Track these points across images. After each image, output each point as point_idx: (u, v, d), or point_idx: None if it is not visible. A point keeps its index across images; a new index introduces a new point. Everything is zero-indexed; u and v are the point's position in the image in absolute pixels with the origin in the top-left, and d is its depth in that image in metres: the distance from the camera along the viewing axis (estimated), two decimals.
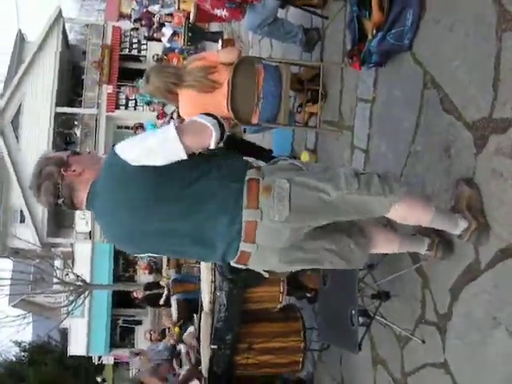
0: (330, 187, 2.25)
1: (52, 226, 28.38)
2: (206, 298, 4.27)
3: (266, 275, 2.44)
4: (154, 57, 16.26)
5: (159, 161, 2.18)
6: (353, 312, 3.03)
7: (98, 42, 27.45)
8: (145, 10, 15.15)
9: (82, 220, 25.94)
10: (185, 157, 2.18)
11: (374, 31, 3.47)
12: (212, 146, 2.25)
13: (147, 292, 12.83)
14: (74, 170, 2.31)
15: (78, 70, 30.01)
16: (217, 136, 2.24)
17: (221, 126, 2.28)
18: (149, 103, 13.92)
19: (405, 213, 2.45)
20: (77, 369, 29.96)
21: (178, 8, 12.56)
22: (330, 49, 4.74)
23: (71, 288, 22.82)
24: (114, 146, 2.30)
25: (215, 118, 2.30)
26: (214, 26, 10.51)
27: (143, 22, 15.09)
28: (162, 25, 14.53)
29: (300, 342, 4.14)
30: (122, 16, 23.69)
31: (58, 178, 2.29)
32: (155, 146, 2.19)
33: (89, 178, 2.31)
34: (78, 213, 22.57)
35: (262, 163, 2.55)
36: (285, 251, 2.32)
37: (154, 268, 21.38)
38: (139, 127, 15.32)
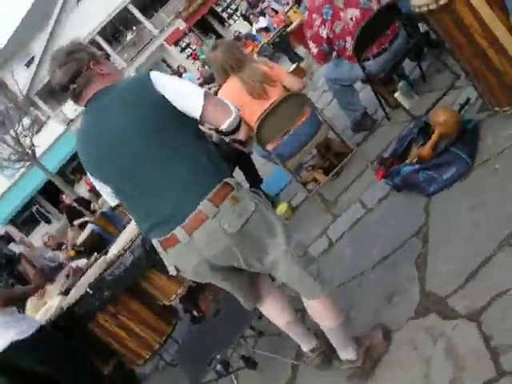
0: (282, 238, 2.33)
1: (47, 89, 28.11)
2: (115, 249, 4.24)
3: (174, 272, 2.42)
4: (235, 32, 16.33)
5: (178, 103, 2.24)
6: (217, 356, 3.03)
7: None
8: None
9: (74, 107, 25.69)
10: (197, 116, 2.26)
11: (415, 160, 3.54)
12: (224, 127, 2.30)
13: (74, 204, 12.74)
14: (101, 69, 2.39)
15: None
16: (232, 122, 2.31)
17: (240, 121, 2.37)
18: (203, 61, 13.91)
19: (318, 306, 2.52)
20: None
21: (286, 12, 12.69)
22: (371, 143, 4.80)
23: (19, 150, 22.53)
24: (150, 70, 2.37)
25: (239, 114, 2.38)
26: (300, 50, 10.59)
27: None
28: (262, 13, 14.67)
29: (157, 343, 4.11)
30: None
31: (85, 66, 2.35)
32: (182, 90, 2.28)
33: (108, 82, 2.38)
34: None
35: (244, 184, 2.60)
36: (204, 262, 2.33)
37: (96, 191, 21.23)
38: (179, 72, 15.43)
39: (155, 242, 2.37)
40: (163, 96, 2.22)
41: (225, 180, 2.27)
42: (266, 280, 2.70)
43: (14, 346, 3.55)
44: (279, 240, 2.33)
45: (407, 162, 3.63)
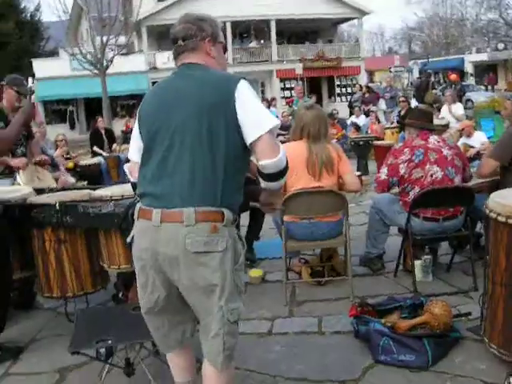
0: (226, 294, 2.33)
1: (159, 29, 28.58)
2: (103, 191, 4.22)
3: (129, 239, 2.52)
4: (334, 109, 16.55)
5: (243, 121, 2.32)
6: (109, 341, 3.00)
7: None
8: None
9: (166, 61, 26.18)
10: (249, 140, 2.32)
11: (388, 325, 3.53)
12: (262, 163, 2.33)
13: (102, 131, 12.83)
14: (210, 50, 2.52)
15: None
16: (271, 164, 2.33)
17: (281, 172, 2.40)
18: (292, 111, 14.03)
19: (213, 376, 2.46)
20: None
21: (385, 128, 12.87)
22: (366, 283, 4.78)
23: (98, 56, 22.80)
24: (244, 78, 2.44)
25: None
26: (371, 165, 10.67)
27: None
28: (367, 113, 14.93)
29: (72, 291, 4.02)
30: None
31: (200, 36, 2.49)
32: (256, 114, 2.34)
33: (207, 62, 2.50)
34: None
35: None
36: (152, 252, 2.36)
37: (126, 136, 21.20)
38: (269, 103, 16.03)
39: (138, 206, 2.46)
40: (235, 115, 2.30)
41: (222, 209, 2.32)
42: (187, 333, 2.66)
43: None
44: (222, 293, 2.33)
45: (382, 320, 3.61)
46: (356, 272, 4.88)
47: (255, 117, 2.33)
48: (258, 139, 2.30)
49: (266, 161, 2.32)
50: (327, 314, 4.19)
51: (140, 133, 2.53)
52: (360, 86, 20.43)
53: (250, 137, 2.31)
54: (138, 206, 2.46)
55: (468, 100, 23.83)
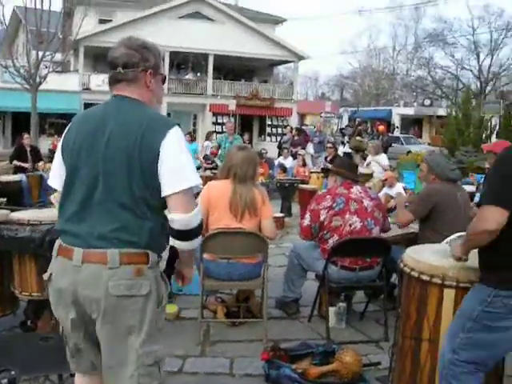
0: (142, 337, 2.25)
1: (95, 51, 28.27)
2: (21, 214, 4.09)
3: (46, 277, 2.39)
4: (263, 149, 16.71)
5: (164, 174, 2.26)
6: (12, 372, 2.87)
7: None
8: None
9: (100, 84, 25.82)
10: (164, 193, 2.26)
11: (299, 371, 3.55)
12: (174, 217, 2.26)
13: (28, 148, 12.50)
14: (150, 83, 2.41)
15: None
16: (185, 222, 2.27)
17: (197, 229, 2.34)
18: (218, 146, 13.96)
19: None
20: None
21: (311, 172, 13.09)
22: (280, 328, 4.78)
23: (32, 71, 22.30)
24: (178, 124, 2.36)
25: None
26: (294, 208, 10.83)
27: None
28: (294, 156, 15.21)
29: None
30: None
31: (143, 67, 2.37)
32: (179, 169, 2.27)
33: (143, 97, 2.38)
34: None
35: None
36: (71, 292, 2.26)
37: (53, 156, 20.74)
38: (192, 136, 16.15)
39: (58, 242, 2.36)
40: (157, 165, 2.22)
41: (147, 251, 2.27)
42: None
43: None
44: (140, 336, 2.26)
45: (293, 366, 3.63)
46: (271, 314, 4.89)
47: (174, 173, 2.25)
48: (171, 195, 2.24)
49: (176, 215, 2.25)
50: (239, 355, 4.17)
51: (64, 157, 2.40)
52: (291, 127, 20.80)
53: (164, 190, 2.24)
54: (58, 242, 2.36)
55: (409, 152, 24.37)
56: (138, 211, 2.24)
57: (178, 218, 2.25)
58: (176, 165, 2.26)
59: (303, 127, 28.23)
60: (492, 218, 2.48)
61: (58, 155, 2.45)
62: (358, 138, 17.44)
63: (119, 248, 2.20)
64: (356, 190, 4.72)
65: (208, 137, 19.00)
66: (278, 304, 5.15)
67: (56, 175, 2.48)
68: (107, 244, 2.21)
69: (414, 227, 5.11)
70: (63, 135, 2.45)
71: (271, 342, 4.23)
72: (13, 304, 4.19)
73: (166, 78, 2.57)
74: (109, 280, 2.18)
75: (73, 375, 3.04)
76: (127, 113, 2.31)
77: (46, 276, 2.40)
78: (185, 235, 2.32)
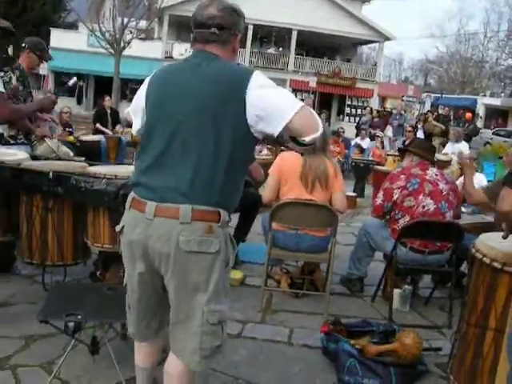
0: (209, 295, 2.27)
1: (179, 19, 28.50)
2: (98, 168, 4.22)
3: (118, 229, 2.44)
4: (340, 128, 16.50)
5: (261, 120, 2.22)
6: (79, 316, 2.98)
7: None
8: None
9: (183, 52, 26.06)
10: (281, 126, 2.19)
11: (357, 347, 3.53)
12: (311, 138, 2.21)
13: (108, 110, 12.84)
14: (234, 45, 2.43)
15: None
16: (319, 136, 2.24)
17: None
18: None
19: (180, 374, 2.40)
20: None
21: (388, 154, 12.88)
22: (343, 304, 4.79)
23: (117, 36, 22.79)
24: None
25: None
26: (368, 189, 10.71)
27: None
28: (372, 137, 14.96)
29: (51, 260, 4.04)
30: None
31: (234, 30, 2.38)
32: (276, 104, 2.21)
33: (223, 55, 2.37)
34: None
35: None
36: (142, 245, 2.31)
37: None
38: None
39: (131, 195, 2.38)
40: (245, 112, 2.20)
41: (219, 210, 2.26)
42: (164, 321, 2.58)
43: None
44: (206, 294, 2.27)
45: (352, 341, 3.62)
46: (334, 290, 4.88)
47: (280, 102, 2.21)
48: (294, 119, 2.16)
49: (307, 137, 2.20)
50: (299, 326, 4.20)
51: (147, 111, 2.42)
52: (370, 108, 20.43)
53: (281, 122, 2.17)
54: (131, 195, 2.38)
55: (487, 143, 23.41)
56: (217, 168, 2.22)
57: (310, 139, 2.21)
58: (276, 95, 2.23)
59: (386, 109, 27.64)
60: (507, 199, 2.50)
61: (141, 100, 2.46)
62: (433, 122, 16.91)
63: (192, 204, 2.20)
64: (432, 172, 4.62)
65: None
66: (342, 281, 5.14)
67: (136, 113, 2.52)
68: (181, 199, 2.20)
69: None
70: (148, 84, 2.44)
71: (332, 316, 4.24)
72: (84, 254, 4.32)
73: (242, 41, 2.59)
74: (179, 235, 2.19)
75: None
76: (212, 67, 2.30)
77: (118, 228, 2.44)
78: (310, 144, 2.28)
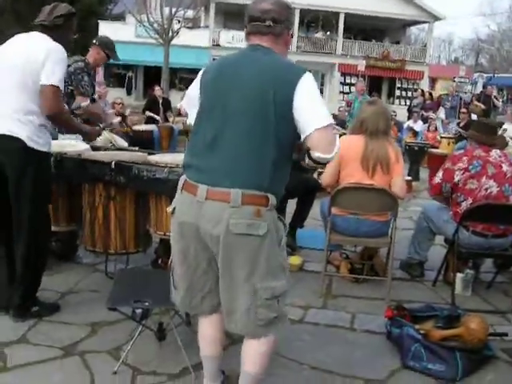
0: (260, 276, 2.36)
1: (227, 7, 28.47)
2: (158, 157, 4.27)
3: (169, 210, 2.56)
4: (393, 111, 16.25)
5: (301, 117, 2.37)
6: (146, 303, 3.04)
7: None
8: None
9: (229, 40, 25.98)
10: (306, 133, 2.37)
11: (422, 332, 3.49)
12: (318, 156, 2.40)
13: (159, 100, 12.97)
14: (286, 41, 2.57)
15: None
16: (326, 160, 2.46)
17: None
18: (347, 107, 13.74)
19: (252, 345, 2.52)
20: None
21: (441, 137, 12.64)
22: (402, 289, 4.74)
23: (165, 26, 22.93)
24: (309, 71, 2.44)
25: None
26: (423, 172, 10.56)
27: None
28: (425, 119, 14.68)
29: (114, 248, 4.17)
30: None
31: (285, 26, 2.52)
32: (314, 109, 2.38)
33: (279, 51, 2.51)
34: None
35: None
36: (194, 228, 2.40)
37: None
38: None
39: (183, 178, 2.50)
40: (292, 107, 2.33)
41: (268, 194, 2.35)
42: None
43: (14, 141, 3.44)
44: (257, 273, 2.37)
45: (416, 326, 3.57)
46: (395, 275, 4.81)
47: (312, 113, 2.36)
48: (313, 133, 2.34)
49: (318, 154, 2.39)
50: (361, 311, 4.18)
51: (202, 99, 2.52)
52: (422, 91, 20.05)
53: (305, 130, 2.35)
54: (183, 177, 2.50)
55: None
56: (266, 154, 2.34)
57: (320, 157, 2.41)
58: (311, 106, 2.37)
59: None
60: None
61: (195, 90, 2.58)
62: (475, 102, 16.48)
63: (243, 188, 2.30)
64: (495, 153, 4.50)
65: None
66: (402, 265, 5.08)
67: (191, 105, 2.62)
68: (231, 183, 2.31)
69: None
70: (203, 74, 2.57)
71: (393, 301, 4.20)
72: (146, 242, 4.40)
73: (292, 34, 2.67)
74: (230, 218, 2.30)
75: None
76: (265, 59, 2.42)
77: (169, 209, 2.55)
78: (322, 163, 2.54)
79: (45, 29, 3.61)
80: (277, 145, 2.34)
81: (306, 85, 2.35)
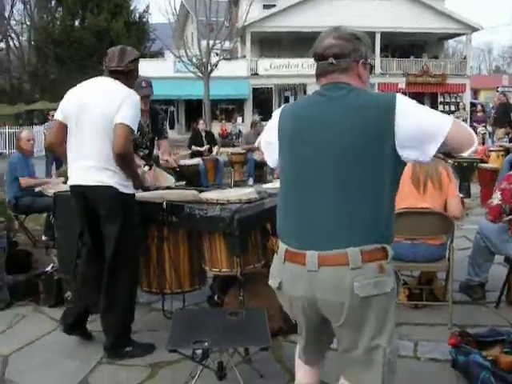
0: (387, 334, 2.16)
1: (264, 37, 28.75)
2: (211, 194, 4.27)
3: (274, 285, 2.33)
4: None
5: (415, 139, 2.10)
6: (205, 343, 3.03)
7: None
8: None
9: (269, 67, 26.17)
10: (442, 139, 2.09)
11: (490, 358, 3.37)
12: (470, 151, 2.17)
13: (203, 133, 13.09)
14: (361, 73, 2.28)
15: None
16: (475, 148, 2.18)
17: None
18: None
19: None
20: None
21: (490, 150, 12.38)
22: (465, 313, 4.60)
23: (203, 60, 23.32)
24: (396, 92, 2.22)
25: None
26: (474, 188, 10.34)
27: None
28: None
29: (170, 288, 4.18)
30: None
31: (355, 57, 2.25)
32: (425, 122, 2.12)
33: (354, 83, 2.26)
34: None
35: None
36: (308, 301, 2.20)
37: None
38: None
39: (283, 246, 2.25)
40: (394, 136, 2.07)
41: (384, 245, 2.12)
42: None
43: (110, 190, 3.66)
44: (385, 334, 2.14)
45: (483, 353, 3.45)
46: (455, 298, 4.68)
47: (432, 120, 2.11)
48: (449, 136, 2.07)
49: (466, 152, 2.15)
50: (423, 339, 4.06)
51: (280, 150, 2.32)
52: (471, 103, 19.71)
53: (437, 140, 2.08)
54: (282, 246, 2.24)
55: None
56: (374, 201, 2.09)
57: (472, 150, 2.16)
58: (425, 114, 2.12)
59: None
60: None
61: (272, 135, 2.36)
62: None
63: (358, 246, 2.06)
64: None
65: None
66: (462, 288, 4.94)
67: (273, 156, 2.41)
68: (344, 242, 2.07)
69: None
70: (277, 119, 2.34)
71: (456, 326, 4.09)
72: (201, 280, 4.38)
73: (372, 67, 2.39)
74: (352, 280, 2.05)
75: (263, 349, 3.18)
76: (345, 99, 2.17)
77: (274, 284, 2.31)
78: None
79: (117, 74, 3.75)
80: (382, 188, 2.11)
81: (404, 104, 2.10)
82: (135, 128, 3.68)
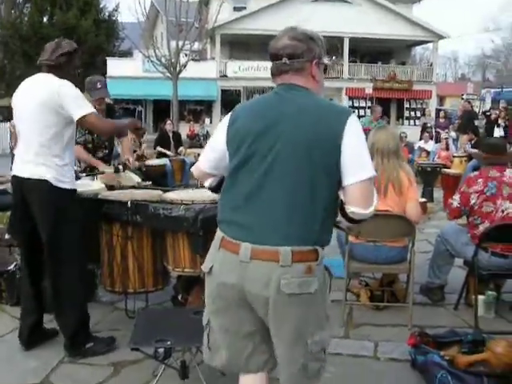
0: (311, 332, 2.24)
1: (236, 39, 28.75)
2: (173, 195, 4.29)
3: (205, 270, 2.34)
4: (402, 132, 16.24)
5: (345, 164, 2.17)
6: (168, 342, 3.03)
7: None
8: None
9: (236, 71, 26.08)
10: (346, 184, 2.19)
11: (447, 358, 3.45)
12: (354, 210, 2.22)
13: (170, 134, 13.04)
14: (315, 73, 2.33)
15: None
16: (363, 216, 2.26)
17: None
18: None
19: None
20: None
21: (454, 156, 12.60)
22: (424, 314, 4.69)
23: (172, 60, 23.19)
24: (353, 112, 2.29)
25: None
26: (437, 192, 10.50)
27: None
28: (437, 139, 14.65)
29: (133, 288, 4.18)
30: None
31: (309, 57, 2.30)
32: (360, 159, 2.19)
33: (309, 87, 2.31)
34: None
35: None
36: (237, 291, 2.24)
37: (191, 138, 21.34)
38: None
39: (220, 234, 2.30)
40: (339, 153, 2.14)
41: (316, 247, 2.19)
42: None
43: (44, 184, 3.62)
44: (308, 330, 2.22)
45: (441, 353, 3.53)
46: (415, 300, 4.76)
47: (358, 161, 2.18)
48: (352, 186, 2.17)
49: (356, 209, 2.20)
50: (383, 339, 4.14)
51: (227, 150, 2.32)
52: (437, 110, 20.05)
53: (347, 180, 2.17)
54: (220, 234, 2.29)
55: None
56: (312, 206, 2.15)
57: (357, 212, 2.22)
58: (358, 154, 2.19)
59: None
60: None
61: (218, 142, 2.37)
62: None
63: (291, 245, 2.13)
64: (510, 173, 4.48)
65: None
66: (422, 290, 5.04)
67: (210, 160, 2.45)
68: (278, 240, 2.14)
69: None
70: (230, 122, 2.34)
71: (416, 327, 4.17)
72: (164, 280, 4.38)
73: (327, 67, 2.46)
74: (280, 278, 2.12)
75: None
76: (300, 101, 2.24)
77: (206, 268, 2.35)
78: (356, 221, 2.30)
79: (48, 68, 3.75)
80: (327, 196, 2.18)
81: (353, 129, 2.16)
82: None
